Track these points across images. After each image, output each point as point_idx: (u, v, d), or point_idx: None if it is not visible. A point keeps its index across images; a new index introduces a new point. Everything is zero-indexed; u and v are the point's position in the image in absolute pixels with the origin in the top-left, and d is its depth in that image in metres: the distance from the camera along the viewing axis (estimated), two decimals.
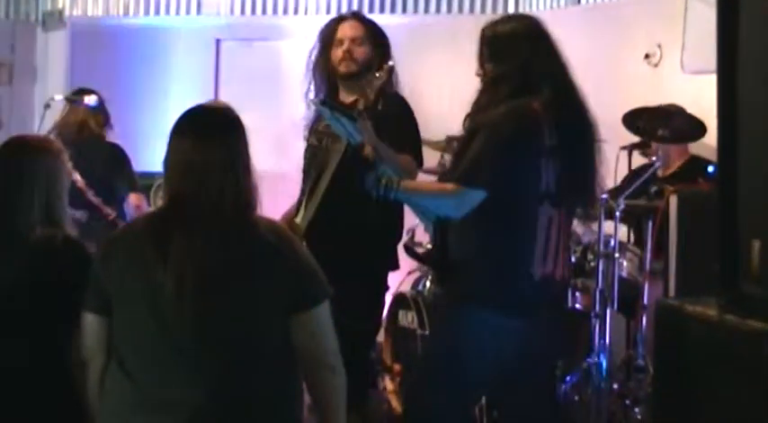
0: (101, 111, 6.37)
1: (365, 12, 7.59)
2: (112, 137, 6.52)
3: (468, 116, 3.83)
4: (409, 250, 4.59)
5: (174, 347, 2.85)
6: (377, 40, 4.73)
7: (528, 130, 3.67)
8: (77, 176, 5.43)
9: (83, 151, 5.62)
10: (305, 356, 2.98)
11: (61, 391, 3.27)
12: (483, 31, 3.88)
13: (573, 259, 5.50)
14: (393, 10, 8.34)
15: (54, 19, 9.33)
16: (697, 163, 5.88)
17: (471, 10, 8.22)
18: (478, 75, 3.88)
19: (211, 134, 2.97)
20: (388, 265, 4.80)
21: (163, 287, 2.85)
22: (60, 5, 9.27)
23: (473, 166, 3.62)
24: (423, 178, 4.83)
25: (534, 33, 3.84)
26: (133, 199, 6.34)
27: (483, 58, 3.86)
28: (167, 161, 2.97)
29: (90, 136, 6.24)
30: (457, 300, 3.83)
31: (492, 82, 3.79)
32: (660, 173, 5.92)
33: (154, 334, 2.86)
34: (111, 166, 6.25)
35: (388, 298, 5.91)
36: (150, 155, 8.17)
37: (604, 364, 5.32)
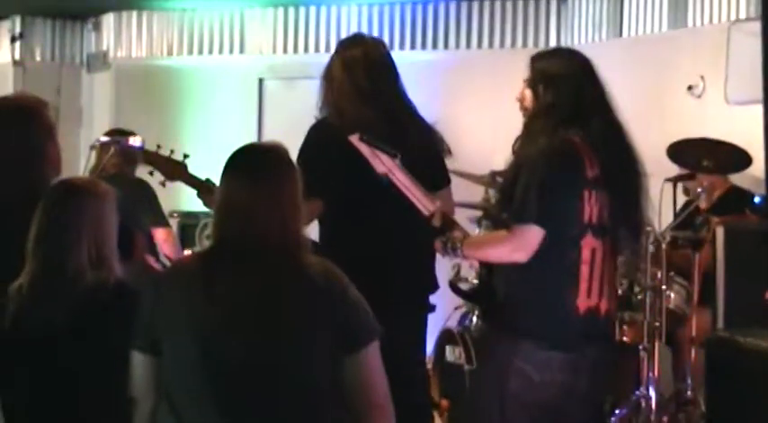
0: (122, 151, 6.32)
1: (408, 48, 7.63)
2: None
3: (518, 140, 3.83)
4: (454, 287, 4.55)
5: (222, 386, 2.84)
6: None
7: (564, 165, 3.68)
8: None
9: None
10: (354, 397, 2.94)
11: None
12: (533, 60, 3.88)
13: (620, 292, 5.49)
14: (435, 46, 8.36)
15: (98, 61, 9.44)
16: (738, 193, 5.86)
17: (513, 45, 8.24)
18: (519, 99, 3.88)
19: (258, 173, 2.97)
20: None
21: (211, 326, 2.85)
22: (105, 47, 9.38)
23: (520, 205, 3.64)
24: (468, 213, 4.78)
25: (586, 68, 3.86)
26: (160, 234, 6.28)
27: (532, 86, 3.85)
28: (216, 200, 2.98)
29: (108, 175, 6.16)
30: (503, 334, 3.82)
31: (542, 110, 3.80)
32: (702, 205, 5.90)
33: (202, 373, 2.85)
34: (134, 202, 6.18)
35: (435, 333, 5.90)
36: (194, 195, 8.25)
37: (654, 397, 5.30)
